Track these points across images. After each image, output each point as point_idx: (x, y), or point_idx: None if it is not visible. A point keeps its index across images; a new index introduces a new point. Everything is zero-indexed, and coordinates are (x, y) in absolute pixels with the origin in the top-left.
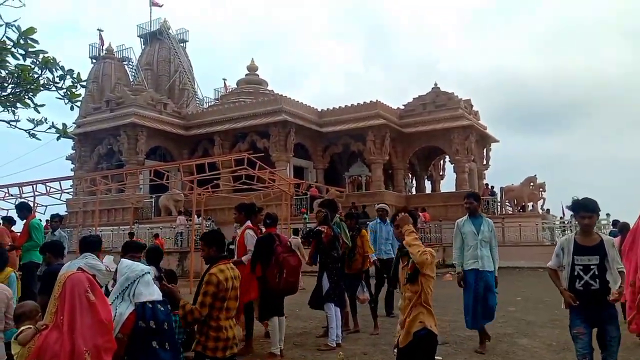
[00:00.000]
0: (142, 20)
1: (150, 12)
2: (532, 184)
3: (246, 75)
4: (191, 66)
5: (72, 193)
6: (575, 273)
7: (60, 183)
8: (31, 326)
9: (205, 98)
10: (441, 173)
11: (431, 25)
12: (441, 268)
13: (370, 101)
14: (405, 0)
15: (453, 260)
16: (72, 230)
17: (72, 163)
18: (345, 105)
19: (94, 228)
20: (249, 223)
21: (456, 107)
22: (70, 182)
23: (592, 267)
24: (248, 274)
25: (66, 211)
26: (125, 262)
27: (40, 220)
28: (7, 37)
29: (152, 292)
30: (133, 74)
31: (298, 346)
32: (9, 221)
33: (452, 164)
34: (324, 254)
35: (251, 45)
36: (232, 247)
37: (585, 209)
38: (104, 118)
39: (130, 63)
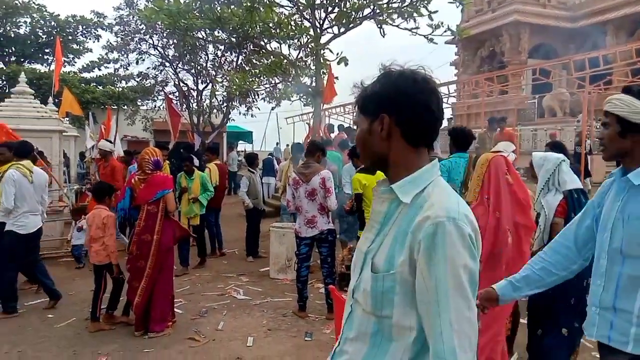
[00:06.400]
0: None
1: None
2: None
3: None
4: None
5: (456, 97)
6: None
7: (447, 87)
8: None
9: None
10: None
11: None
12: None
13: None
14: None
15: None
16: None
17: (455, 68)
18: None
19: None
20: None
21: None
22: (454, 86)
23: None
24: None
25: (452, 114)
26: (539, 154)
27: None
28: None
29: (573, 180)
30: None
31: None
32: None
33: None
34: None
35: None
36: None
37: None
38: (486, 20)
39: None
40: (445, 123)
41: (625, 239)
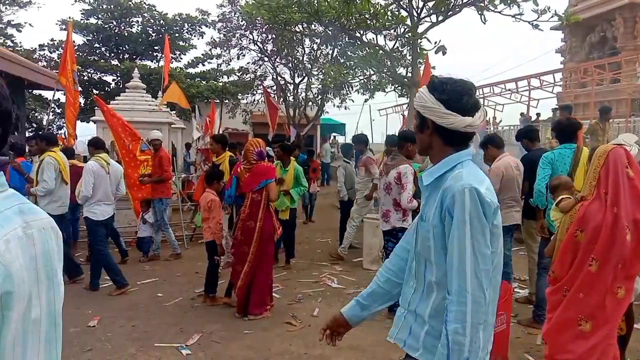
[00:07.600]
0: None
1: None
2: None
3: None
4: None
5: (562, 86)
6: None
7: (553, 76)
8: (569, 196)
9: None
10: None
11: None
12: None
13: None
14: None
15: None
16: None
17: (561, 56)
18: None
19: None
20: None
21: None
22: (559, 75)
23: None
24: None
25: (557, 104)
26: None
27: None
28: None
29: None
30: None
31: None
32: None
33: None
34: None
35: None
36: None
37: None
38: (596, 3)
39: None
40: (549, 113)
41: (420, 241)
